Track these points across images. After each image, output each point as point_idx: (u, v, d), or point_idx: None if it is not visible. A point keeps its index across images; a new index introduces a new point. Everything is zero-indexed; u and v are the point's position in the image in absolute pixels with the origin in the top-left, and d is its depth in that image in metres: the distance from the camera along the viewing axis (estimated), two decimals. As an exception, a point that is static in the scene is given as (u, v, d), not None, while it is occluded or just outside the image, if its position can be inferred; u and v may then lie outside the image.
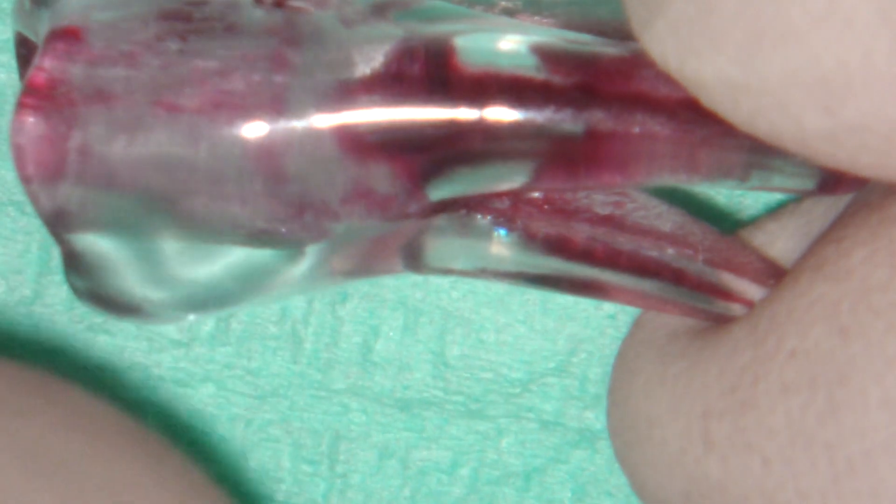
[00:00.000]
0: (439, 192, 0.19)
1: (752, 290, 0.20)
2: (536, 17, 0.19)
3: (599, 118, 0.18)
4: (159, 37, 0.18)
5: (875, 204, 0.19)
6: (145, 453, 0.18)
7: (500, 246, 0.19)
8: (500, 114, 0.18)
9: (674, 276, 0.20)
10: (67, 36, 0.18)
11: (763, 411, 0.18)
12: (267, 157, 0.18)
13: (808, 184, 0.19)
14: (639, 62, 0.18)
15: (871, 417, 0.17)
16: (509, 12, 0.19)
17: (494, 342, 0.23)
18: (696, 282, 0.20)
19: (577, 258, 0.19)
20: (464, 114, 0.18)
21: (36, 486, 0.17)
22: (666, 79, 0.18)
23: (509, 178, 0.19)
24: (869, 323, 0.17)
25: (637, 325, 0.21)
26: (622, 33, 0.18)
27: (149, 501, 0.18)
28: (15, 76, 0.23)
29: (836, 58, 0.16)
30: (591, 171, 0.18)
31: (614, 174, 0.18)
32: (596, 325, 0.23)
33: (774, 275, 0.20)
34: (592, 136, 0.18)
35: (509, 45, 0.18)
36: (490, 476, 0.23)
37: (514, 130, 0.18)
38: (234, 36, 0.18)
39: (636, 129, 0.18)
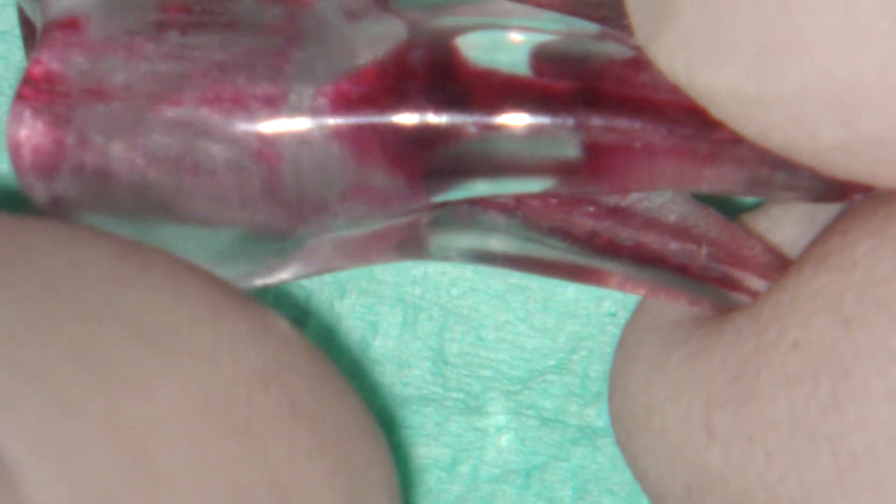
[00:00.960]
0: (441, 197, 0.19)
1: (756, 282, 0.20)
2: None
3: (600, 128, 0.18)
4: (159, 29, 0.18)
5: (882, 196, 0.18)
6: (243, 316, 0.18)
7: (502, 237, 0.19)
8: (500, 118, 0.18)
9: (677, 269, 0.19)
10: (66, 27, 0.18)
11: (765, 402, 0.18)
12: (267, 155, 0.18)
13: (812, 195, 0.19)
14: (643, 65, 0.18)
15: (875, 410, 0.17)
16: None
17: (494, 339, 0.23)
18: (700, 275, 0.20)
19: (580, 248, 0.19)
20: (464, 116, 0.18)
21: (141, 355, 0.16)
22: (670, 84, 0.18)
23: (509, 188, 0.19)
24: (873, 315, 0.17)
25: (640, 310, 0.21)
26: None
27: (250, 363, 0.17)
28: (11, 66, 0.22)
29: (851, 71, 0.16)
30: (593, 183, 0.18)
31: (616, 186, 0.18)
32: (597, 322, 0.23)
33: (779, 267, 0.20)
34: (593, 150, 0.18)
35: (512, 45, 0.18)
36: (490, 474, 0.23)
37: (513, 134, 0.18)
38: (235, 31, 0.18)
39: (637, 144, 0.18)
